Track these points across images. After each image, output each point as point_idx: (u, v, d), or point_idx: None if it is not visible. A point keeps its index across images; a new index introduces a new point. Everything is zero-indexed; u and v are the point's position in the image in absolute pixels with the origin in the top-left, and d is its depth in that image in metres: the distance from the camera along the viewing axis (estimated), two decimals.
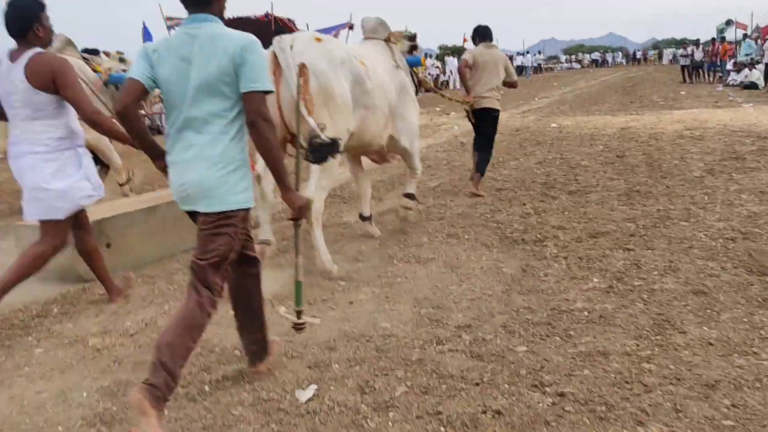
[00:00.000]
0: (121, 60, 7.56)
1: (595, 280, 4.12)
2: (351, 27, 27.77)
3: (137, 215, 5.00)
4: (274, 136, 2.61)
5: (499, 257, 4.74)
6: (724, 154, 8.45)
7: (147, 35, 14.76)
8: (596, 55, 68.95)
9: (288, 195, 2.68)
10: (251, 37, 2.53)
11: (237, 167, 2.58)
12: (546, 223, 5.62)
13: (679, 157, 8.53)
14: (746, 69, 22.20)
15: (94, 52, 7.76)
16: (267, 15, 21.31)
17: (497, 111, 7.01)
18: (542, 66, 55.23)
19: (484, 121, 6.94)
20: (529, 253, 4.80)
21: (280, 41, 4.18)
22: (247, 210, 2.67)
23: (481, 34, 7.12)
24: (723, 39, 26.05)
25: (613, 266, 4.35)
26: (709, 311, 3.51)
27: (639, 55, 66.94)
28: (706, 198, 6.15)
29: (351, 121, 4.45)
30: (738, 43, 25.81)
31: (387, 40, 5.36)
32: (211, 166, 2.53)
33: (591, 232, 5.24)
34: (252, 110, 2.51)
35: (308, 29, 21.61)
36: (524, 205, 6.39)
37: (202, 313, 2.54)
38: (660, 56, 61.07)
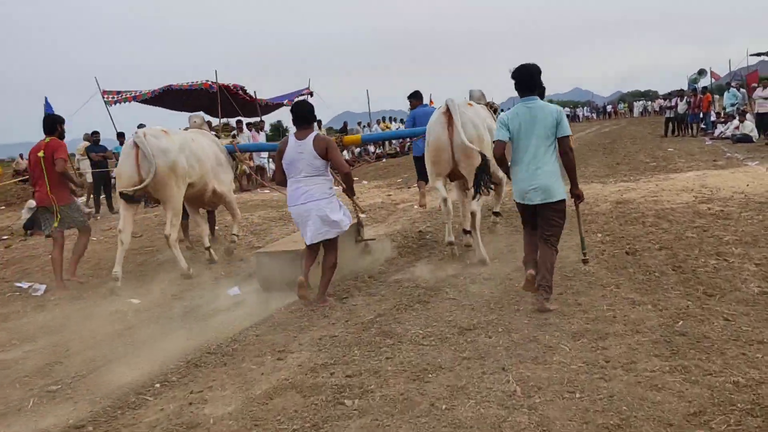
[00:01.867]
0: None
1: None
2: (310, 93, 25.38)
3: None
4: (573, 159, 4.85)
5: None
6: None
7: (48, 108, 15.39)
8: (567, 111, 68.26)
9: (577, 190, 4.96)
10: (560, 108, 4.90)
11: (558, 177, 4.86)
12: None
13: (712, 252, 6.13)
14: (735, 120, 20.37)
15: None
16: (212, 84, 19.27)
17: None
18: None
19: None
20: None
21: (450, 102, 6.29)
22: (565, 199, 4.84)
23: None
24: (705, 90, 24.39)
25: None
26: None
27: (609, 108, 66.30)
28: None
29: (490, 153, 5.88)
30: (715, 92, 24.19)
31: (487, 105, 7.45)
32: (552, 176, 4.81)
33: None
34: (565, 146, 4.79)
35: (255, 95, 19.66)
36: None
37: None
38: (630, 109, 60.34)
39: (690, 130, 23.52)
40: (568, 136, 4.75)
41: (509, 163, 4.98)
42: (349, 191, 5.85)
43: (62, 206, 7.06)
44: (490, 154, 5.69)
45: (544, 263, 4.79)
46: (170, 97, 18.74)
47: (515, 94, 4.96)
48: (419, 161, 9.53)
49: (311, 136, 5.36)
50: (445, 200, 6.42)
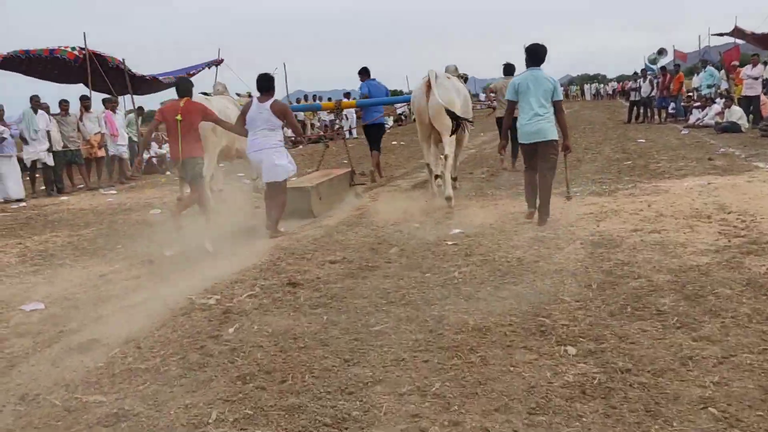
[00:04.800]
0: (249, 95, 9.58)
1: None
2: (219, 63, 21.37)
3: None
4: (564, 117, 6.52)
5: None
6: None
7: None
8: None
9: (567, 142, 6.44)
10: (555, 78, 6.46)
11: (553, 123, 6.29)
12: None
13: None
14: (716, 105, 16.73)
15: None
16: (83, 50, 15.33)
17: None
18: None
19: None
20: None
21: (431, 72, 7.66)
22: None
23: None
24: (677, 68, 20.68)
25: None
26: None
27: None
28: None
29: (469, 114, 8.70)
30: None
31: (459, 77, 9.01)
32: (550, 123, 6.28)
33: None
34: (558, 107, 6.35)
35: (125, 63, 15.79)
36: None
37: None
38: (582, 92, 57.12)
39: (658, 116, 19.88)
40: (561, 100, 6.45)
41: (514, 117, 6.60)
42: (298, 136, 8.68)
43: None
44: (461, 114, 7.80)
45: (544, 192, 6.36)
46: (26, 64, 15.34)
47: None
48: (368, 129, 11.03)
49: (270, 101, 6.77)
50: (428, 164, 8.43)
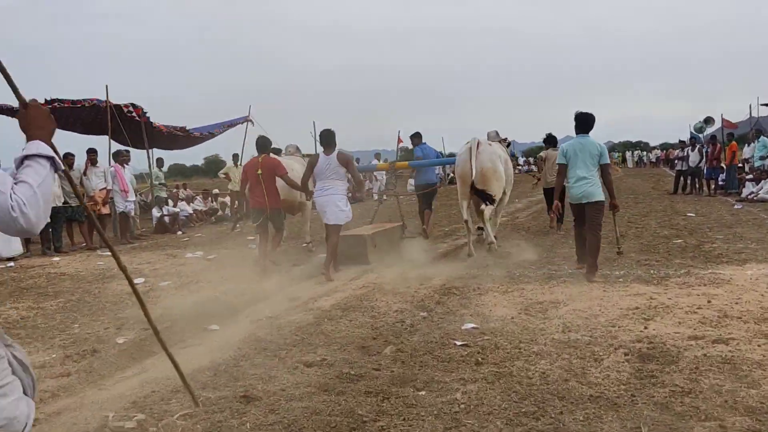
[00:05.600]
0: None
1: None
2: (250, 122, 21.28)
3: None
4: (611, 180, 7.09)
5: None
6: None
7: None
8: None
9: (614, 201, 7.13)
10: (603, 144, 7.09)
11: (599, 185, 6.91)
12: None
13: None
14: None
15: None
16: (99, 102, 15.23)
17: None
18: None
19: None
20: None
21: (473, 141, 8.64)
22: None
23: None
24: (731, 137, 19.31)
25: None
26: None
27: None
28: None
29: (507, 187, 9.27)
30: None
31: (501, 141, 9.84)
32: (595, 186, 6.88)
33: None
34: (605, 170, 6.93)
35: (148, 117, 15.60)
36: None
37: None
38: (624, 159, 55.63)
39: (707, 188, 18.51)
40: (608, 164, 7.03)
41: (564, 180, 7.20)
42: (359, 190, 10.51)
43: None
44: (501, 183, 8.83)
45: (591, 248, 6.89)
46: (56, 114, 14.52)
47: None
48: (419, 194, 11.46)
49: (335, 152, 7.67)
50: (466, 221, 8.91)
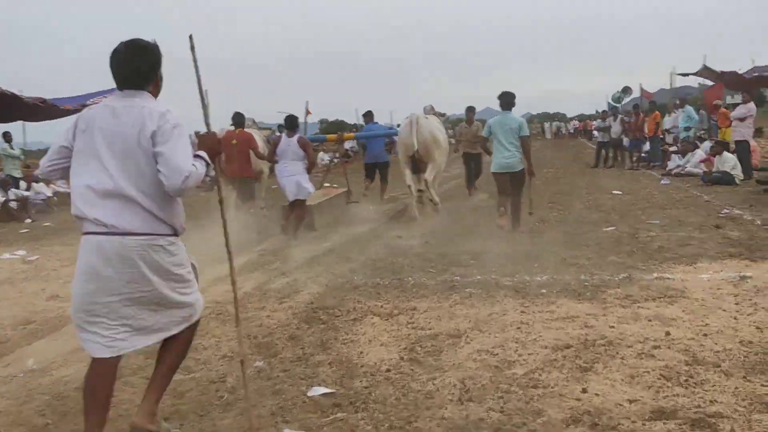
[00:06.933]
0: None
1: None
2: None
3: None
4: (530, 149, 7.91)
5: None
6: None
7: None
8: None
9: (530, 168, 7.78)
10: (523, 119, 9.14)
11: (519, 158, 7.66)
12: None
13: None
14: (699, 151, 14.30)
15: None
16: None
17: None
18: None
19: None
20: None
21: (413, 115, 9.31)
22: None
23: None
24: (654, 106, 18.10)
25: None
26: None
27: None
28: None
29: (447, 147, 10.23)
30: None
31: (436, 114, 10.61)
32: (516, 158, 7.66)
33: None
34: (524, 142, 7.69)
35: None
36: None
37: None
38: (542, 130, 55.33)
39: (629, 160, 17.44)
40: (527, 135, 7.79)
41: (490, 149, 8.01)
42: (310, 170, 8.66)
43: None
44: (441, 152, 9.57)
45: (515, 211, 7.85)
46: None
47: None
48: (366, 167, 12.22)
49: (296, 136, 8.39)
50: (409, 186, 9.54)
